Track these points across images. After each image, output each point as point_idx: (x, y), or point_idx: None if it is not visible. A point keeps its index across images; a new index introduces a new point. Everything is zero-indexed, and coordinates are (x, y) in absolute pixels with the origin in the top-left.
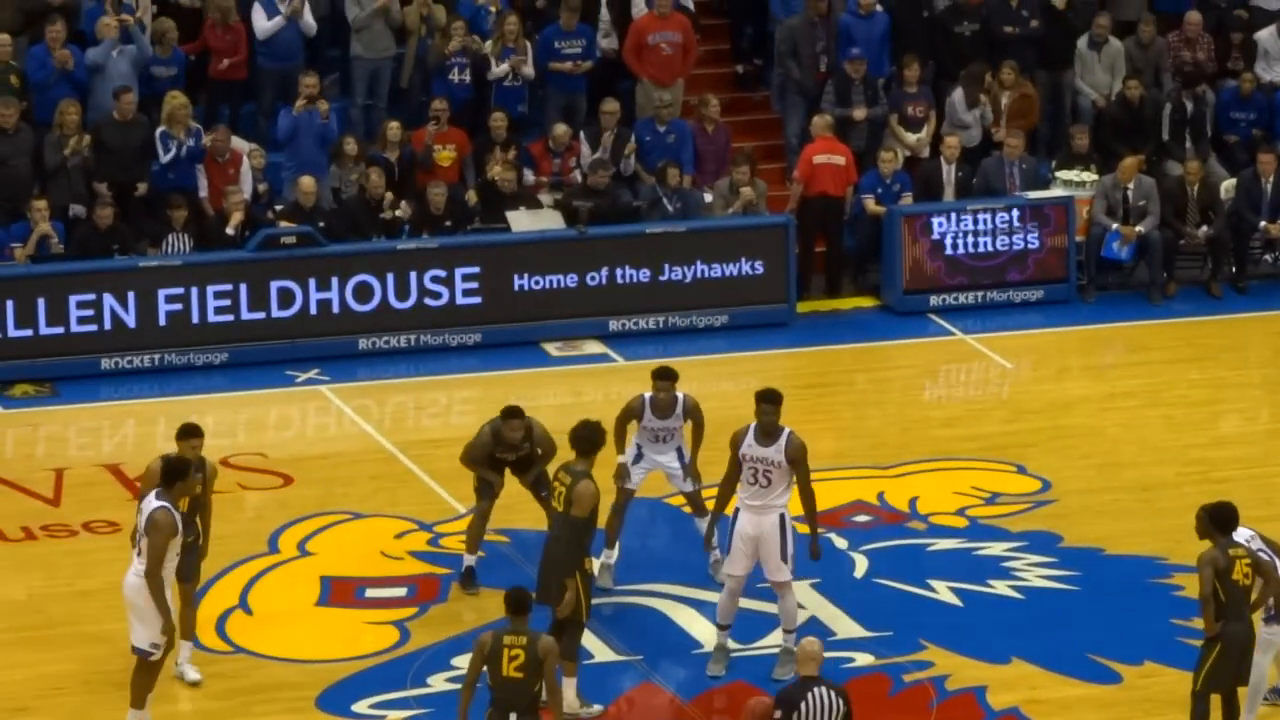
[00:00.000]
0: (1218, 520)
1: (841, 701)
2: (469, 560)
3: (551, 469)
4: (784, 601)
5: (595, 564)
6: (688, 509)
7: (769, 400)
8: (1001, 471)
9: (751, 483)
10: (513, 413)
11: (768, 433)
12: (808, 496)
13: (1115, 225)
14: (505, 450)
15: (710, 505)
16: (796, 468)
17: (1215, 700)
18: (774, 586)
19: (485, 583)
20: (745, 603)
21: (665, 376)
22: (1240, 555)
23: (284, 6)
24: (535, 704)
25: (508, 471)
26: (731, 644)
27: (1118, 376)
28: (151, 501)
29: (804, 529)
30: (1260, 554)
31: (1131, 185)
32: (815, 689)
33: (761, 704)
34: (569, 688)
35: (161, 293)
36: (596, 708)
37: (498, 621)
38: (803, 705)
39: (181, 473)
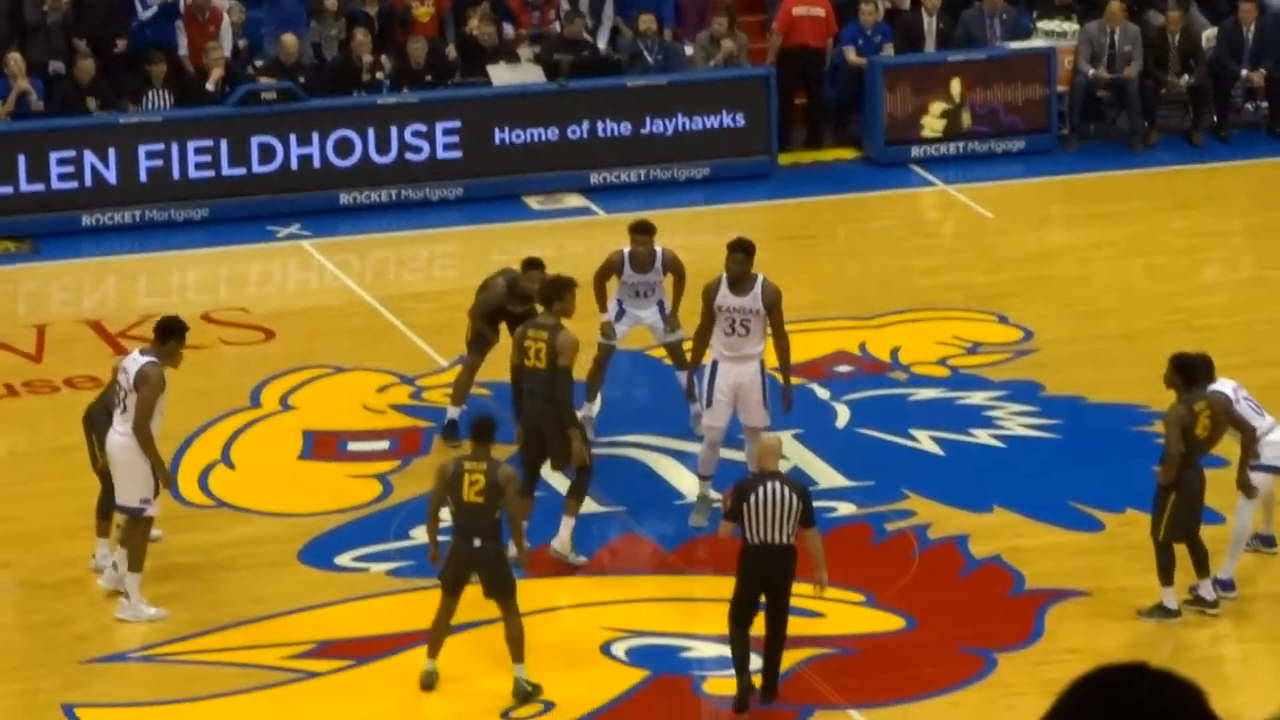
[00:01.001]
0: (1185, 371)
1: (796, 498)
2: (453, 413)
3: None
4: (751, 447)
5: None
6: (669, 361)
7: (741, 250)
8: (983, 321)
9: (729, 333)
10: (534, 264)
11: (741, 282)
12: (782, 342)
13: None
14: (517, 302)
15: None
16: (772, 314)
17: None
18: (748, 433)
19: (467, 435)
20: (726, 453)
21: (643, 230)
22: (1203, 409)
23: None
24: (496, 529)
25: (503, 326)
26: (713, 494)
27: (1099, 226)
28: (138, 358)
29: (778, 376)
30: (1246, 403)
31: (1118, 31)
32: (770, 482)
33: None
34: (565, 528)
35: (142, 149)
36: (582, 559)
37: None
38: (753, 496)
39: (177, 332)
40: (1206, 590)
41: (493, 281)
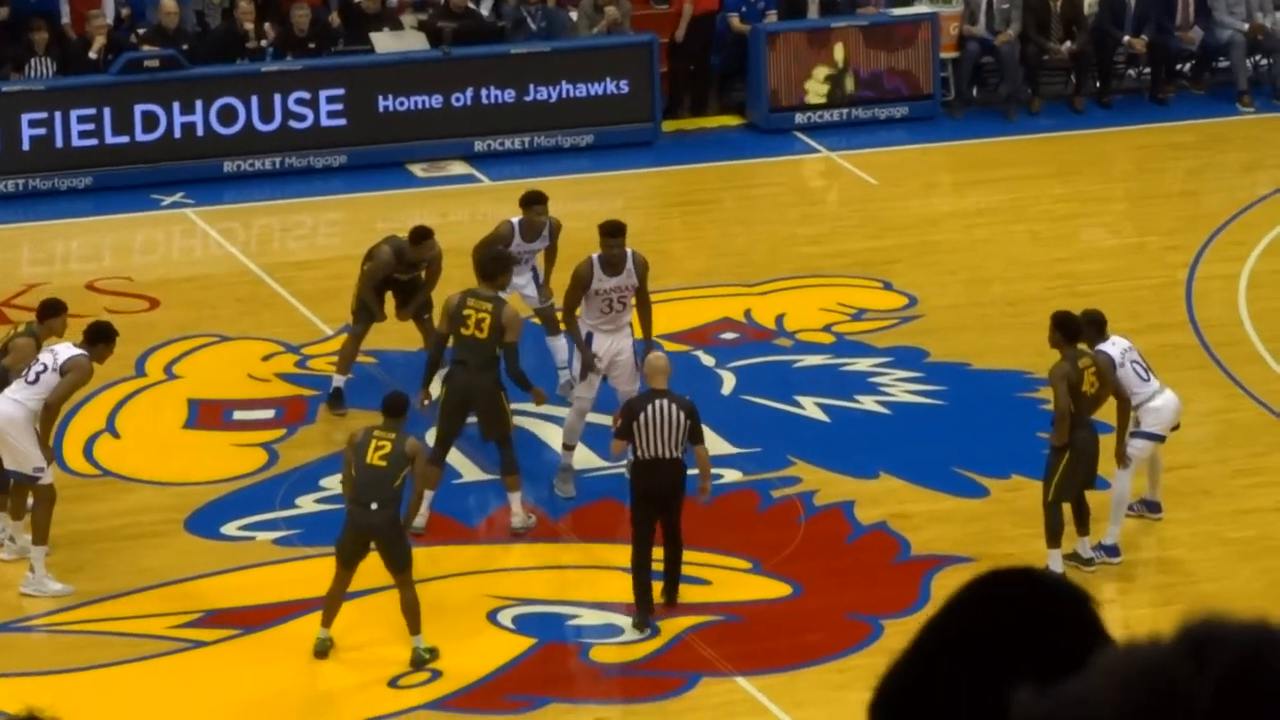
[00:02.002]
0: (1066, 328)
1: (683, 415)
2: (338, 381)
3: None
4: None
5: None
6: (537, 321)
7: (615, 234)
8: (867, 288)
9: (606, 311)
10: (423, 233)
11: (614, 263)
12: (647, 311)
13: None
14: (404, 270)
15: (562, 325)
16: (643, 284)
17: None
18: (622, 396)
19: (353, 404)
20: (598, 418)
21: (539, 201)
22: (1087, 366)
23: None
24: (395, 498)
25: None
26: (575, 466)
27: (983, 192)
28: (71, 349)
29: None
30: (1134, 366)
31: None
32: (659, 400)
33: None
34: (515, 500)
35: (25, 117)
36: (532, 520)
37: None
38: (642, 415)
39: (107, 337)
40: (1084, 549)
41: (378, 250)
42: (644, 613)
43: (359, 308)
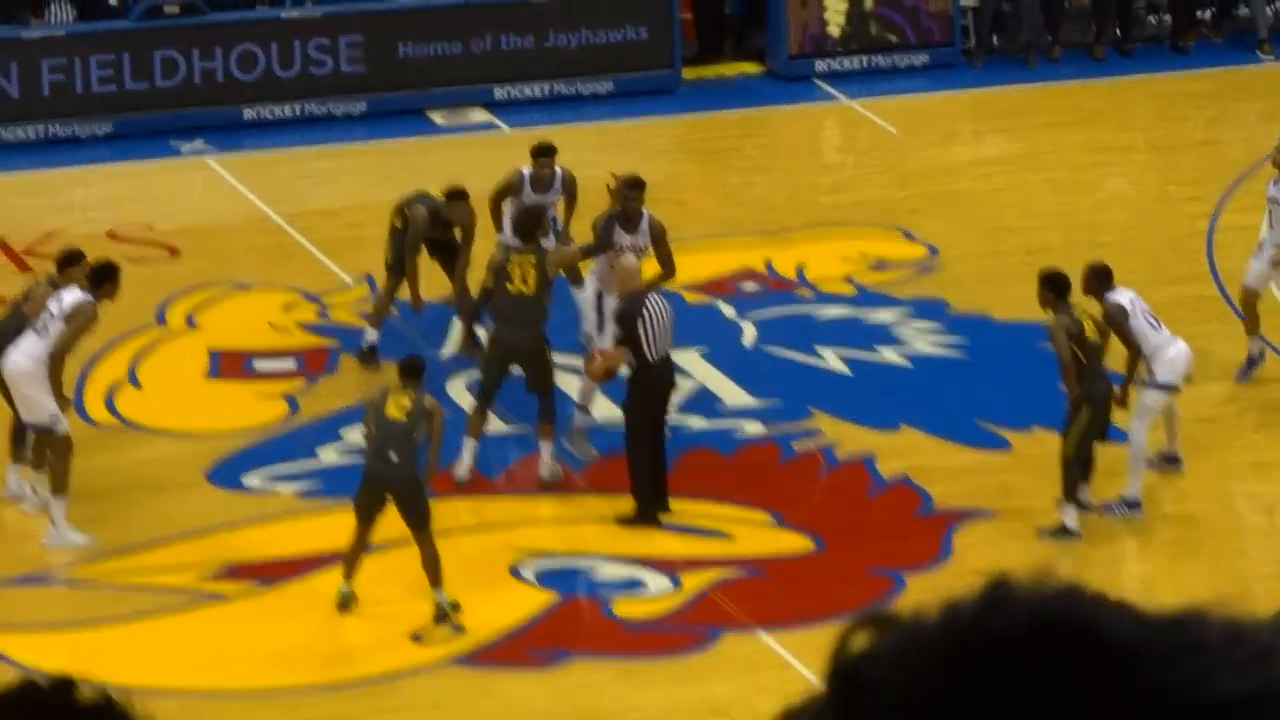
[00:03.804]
0: (1054, 284)
1: (670, 306)
2: (371, 336)
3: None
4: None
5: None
6: (566, 274)
7: (640, 187)
8: (888, 238)
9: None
10: (458, 194)
11: (632, 218)
12: (670, 273)
13: None
14: (440, 230)
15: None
16: (660, 247)
17: None
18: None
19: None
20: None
21: (545, 153)
22: (1084, 315)
23: None
24: (414, 453)
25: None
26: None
27: (1002, 141)
28: (76, 292)
29: None
30: (1144, 317)
31: None
32: (650, 297)
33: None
34: (546, 450)
35: (45, 63)
36: (559, 471)
37: None
38: (645, 314)
39: (112, 276)
40: (1084, 494)
41: (413, 210)
42: (651, 513)
43: (394, 263)
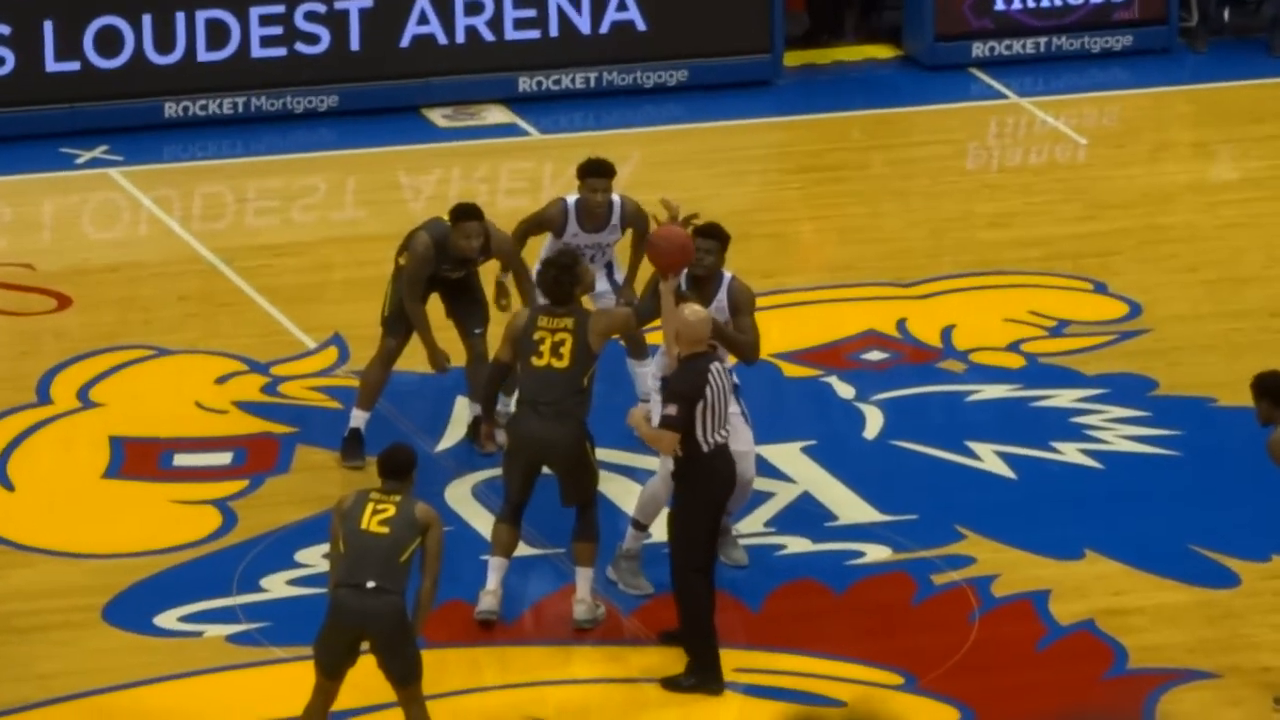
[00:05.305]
0: (1275, 393)
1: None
2: (357, 419)
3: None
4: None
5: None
6: (623, 342)
7: (715, 237)
8: (1073, 290)
9: None
10: (467, 212)
11: (702, 284)
12: (752, 354)
13: None
14: (452, 266)
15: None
16: (741, 318)
17: None
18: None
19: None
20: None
21: (600, 173)
22: None
23: None
24: (401, 580)
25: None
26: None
27: (1235, 157)
28: None
29: None
30: None
31: None
32: (711, 366)
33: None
34: (584, 580)
35: None
36: (601, 610)
37: None
38: (709, 392)
39: None
40: None
41: (414, 239)
42: (714, 670)
43: (391, 317)
